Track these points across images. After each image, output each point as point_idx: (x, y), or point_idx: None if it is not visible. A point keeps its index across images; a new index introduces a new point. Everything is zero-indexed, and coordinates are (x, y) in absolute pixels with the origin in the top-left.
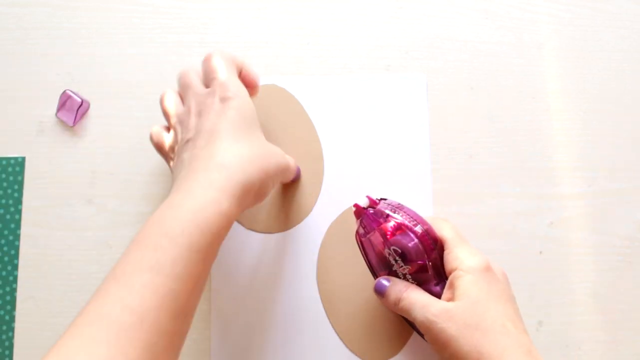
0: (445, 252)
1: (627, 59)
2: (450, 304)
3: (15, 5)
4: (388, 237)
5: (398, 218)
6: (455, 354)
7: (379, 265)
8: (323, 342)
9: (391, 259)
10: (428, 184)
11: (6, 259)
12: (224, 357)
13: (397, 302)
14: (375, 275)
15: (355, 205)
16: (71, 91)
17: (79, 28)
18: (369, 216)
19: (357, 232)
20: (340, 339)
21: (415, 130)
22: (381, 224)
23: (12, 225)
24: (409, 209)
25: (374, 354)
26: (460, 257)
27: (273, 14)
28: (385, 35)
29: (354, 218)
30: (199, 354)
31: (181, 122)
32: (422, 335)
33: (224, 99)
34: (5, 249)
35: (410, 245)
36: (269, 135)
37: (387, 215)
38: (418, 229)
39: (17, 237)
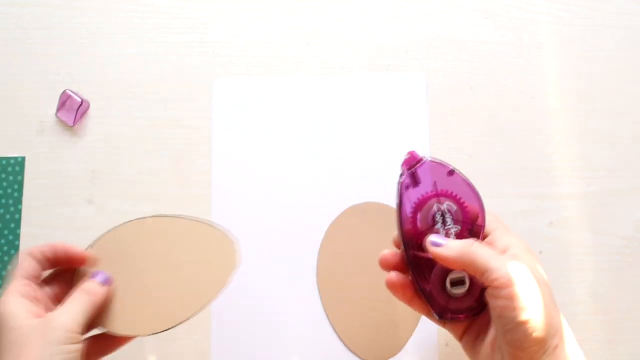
0: (490, 237)
1: (627, 59)
2: (526, 270)
3: (15, 5)
4: (451, 192)
5: (463, 176)
6: (536, 314)
7: (416, 221)
8: (323, 342)
9: (439, 216)
10: None
11: (6, 259)
12: (224, 357)
13: (464, 254)
14: (403, 234)
15: (411, 153)
16: (71, 91)
17: (79, 28)
18: (428, 166)
19: (401, 182)
20: (340, 339)
21: (415, 130)
22: (436, 182)
23: (12, 225)
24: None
25: (374, 353)
26: (507, 238)
27: (273, 14)
28: (385, 35)
29: (354, 218)
30: (199, 354)
31: None
32: (441, 318)
33: None
34: (5, 249)
35: (474, 202)
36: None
37: (452, 171)
38: (476, 193)
39: (17, 237)
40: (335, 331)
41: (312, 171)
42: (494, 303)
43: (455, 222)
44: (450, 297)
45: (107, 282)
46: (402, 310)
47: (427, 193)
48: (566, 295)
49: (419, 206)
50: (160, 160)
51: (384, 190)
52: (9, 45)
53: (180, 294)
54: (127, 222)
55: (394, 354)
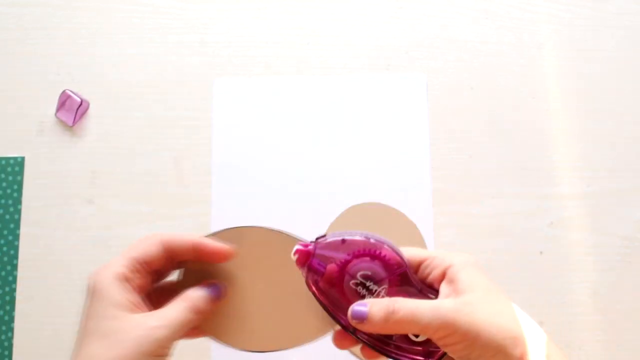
0: (426, 262)
1: (627, 59)
2: (464, 296)
3: (15, 5)
4: (353, 262)
5: (355, 238)
6: (488, 345)
7: (345, 304)
8: (323, 341)
9: (360, 288)
10: (428, 183)
11: (5, 259)
12: (224, 357)
13: (389, 317)
14: (338, 319)
15: (297, 252)
16: (71, 91)
17: (79, 28)
18: (319, 251)
19: (306, 281)
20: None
21: (415, 130)
22: (336, 257)
23: (12, 225)
24: (350, 231)
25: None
26: (448, 256)
27: (273, 14)
28: (385, 35)
29: (354, 217)
30: (199, 354)
31: None
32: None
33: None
34: (4, 249)
35: (385, 257)
36: None
37: (343, 240)
38: (377, 239)
39: (17, 237)
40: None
41: (311, 170)
42: (447, 350)
43: (379, 282)
44: (419, 343)
45: (218, 297)
46: None
47: (335, 276)
48: (566, 295)
49: (337, 293)
50: (160, 160)
51: (384, 190)
52: (9, 45)
53: (297, 318)
54: (251, 226)
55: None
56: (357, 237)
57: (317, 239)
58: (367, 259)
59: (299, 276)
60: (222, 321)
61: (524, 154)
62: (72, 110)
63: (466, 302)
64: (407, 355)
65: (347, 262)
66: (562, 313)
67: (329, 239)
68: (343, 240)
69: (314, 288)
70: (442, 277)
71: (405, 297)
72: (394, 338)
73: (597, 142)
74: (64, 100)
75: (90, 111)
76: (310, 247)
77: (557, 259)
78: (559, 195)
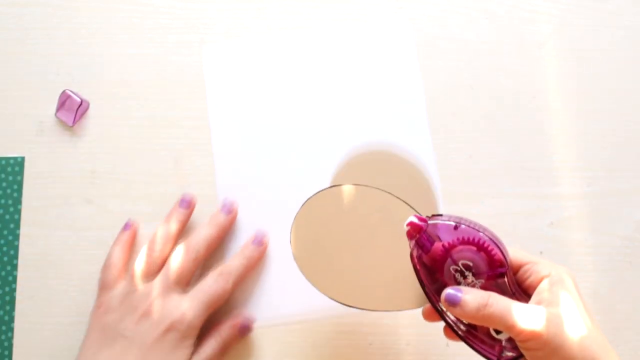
0: (527, 266)
1: (627, 59)
2: (556, 308)
3: (15, 5)
4: (459, 248)
5: (468, 226)
6: (566, 358)
7: (440, 286)
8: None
9: (458, 275)
10: (424, 120)
11: (5, 259)
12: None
13: (482, 308)
14: (431, 297)
15: (410, 224)
16: (70, 91)
17: (79, 28)
18: (431, 230)
19: (411, 253)
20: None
21: (407, 75)
22: (445, 239)
23: (12, 225)
24: (467, 219)
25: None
26: (549, 266)
27: (273, 14)
28: None
29: (363, 164)
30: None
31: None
32: (470, 344)
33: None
34: (4, 249)
35: (491, 252)
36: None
37: (456, 225)
38: (489, 234)
39: (17, 237)
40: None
41: (312, 125)
42: (525, 353)
43: (477, 275)
44: (499, 340)
45: (246, 333)
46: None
47: (438, 256)
48: None
49: (437, 272)
50: (159, 160)
51: (387, 134)
52: (9, 45)
53: (391, 284)
54: (371, 186)
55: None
56: (470, 226)
57: (432, 215)
58: (474, 249)
59: (404, 245)
60: (319, 266)
61: (524, 154)
62: (72, 110)
63: (557, 314)
64: (484, 348)
65: (453, 246)
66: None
67: (444, 220)
68: (456, 227)
69: (416, 261)
70: (538, 284)
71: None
72: (477, 329)
73: (598, 142)
74: (64, 100)
75: (90, 111)
76: (424, 223)
77: (558, 259)
78: (559, 195)
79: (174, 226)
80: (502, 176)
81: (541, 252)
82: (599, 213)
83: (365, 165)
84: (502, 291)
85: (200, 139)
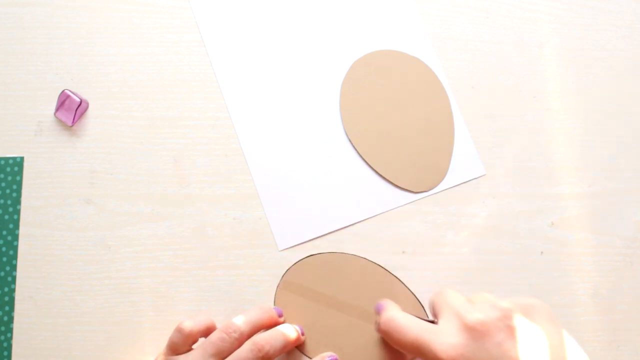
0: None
1: (627, 59)
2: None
3: (15, 5)
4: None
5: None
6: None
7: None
8: (359, 176)
9: None
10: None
11: (5, 259)
12: None
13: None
14: None
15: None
16: (70, 91)
17: (79, 28)
18: None
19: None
20: (377, 171)
21: None
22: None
23: (11, 226)
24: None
25: (416, 183)
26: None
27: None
28: None
29: (370, 64)
30: None
31: None
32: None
33: None
34: (3, 249)
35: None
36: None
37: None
38: None
39: (16, 237)
40: (369, 165)
41: (313, 41)
42: None
43: None
44: None
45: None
46: (436, 139)
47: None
48: (567, 296)
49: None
50: (159, 160)
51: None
52: (9, 45)
53: (365, 350)
54: (352, 255)
55: (437, 183)
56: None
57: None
58: None
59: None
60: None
61: (524, 154)
62: (71, 110)
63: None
64: None
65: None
66: (562, 313)
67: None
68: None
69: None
70: None
71: None
72: None
73: (598, 142)
74: (63, 100)
75: (90, 111)
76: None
77: (558, 259)
78: (560, 196)
79: (248, 328)
80: (502, 176)
81: (541, 252)
82: (600, 213)
83: (372, 67)
84: None
85: (200, 139)
